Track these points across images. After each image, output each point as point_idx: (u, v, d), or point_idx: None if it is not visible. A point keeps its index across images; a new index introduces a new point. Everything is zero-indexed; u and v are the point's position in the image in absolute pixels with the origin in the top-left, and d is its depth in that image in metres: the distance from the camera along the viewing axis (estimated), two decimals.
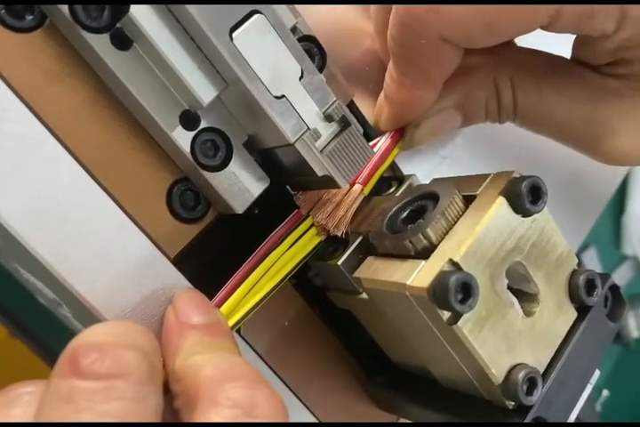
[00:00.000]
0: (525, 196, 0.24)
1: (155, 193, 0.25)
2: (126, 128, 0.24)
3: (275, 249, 0.26)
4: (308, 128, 0.24)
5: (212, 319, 0.23)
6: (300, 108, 0.24)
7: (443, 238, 0.24)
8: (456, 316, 0.22)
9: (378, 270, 0.25)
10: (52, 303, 0.29)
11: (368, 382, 0.31)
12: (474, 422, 0.26)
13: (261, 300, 0.25)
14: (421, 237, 0.24)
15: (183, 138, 0.23)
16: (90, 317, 0.24)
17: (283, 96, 0.23)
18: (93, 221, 0.23)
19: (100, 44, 0.22)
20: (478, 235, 0.23)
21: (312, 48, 0.26)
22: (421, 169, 0.34)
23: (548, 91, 0.29)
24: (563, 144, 0.31)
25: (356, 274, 0.26)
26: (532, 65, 0.29)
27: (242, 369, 0.21)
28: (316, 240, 0.27)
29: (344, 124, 0.25)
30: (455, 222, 0.24)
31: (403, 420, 0.32)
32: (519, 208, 0.24)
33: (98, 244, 0.23)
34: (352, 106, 0.29)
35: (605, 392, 0.75)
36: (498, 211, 0.24)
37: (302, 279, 0.29)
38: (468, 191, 0.25)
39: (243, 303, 0.25)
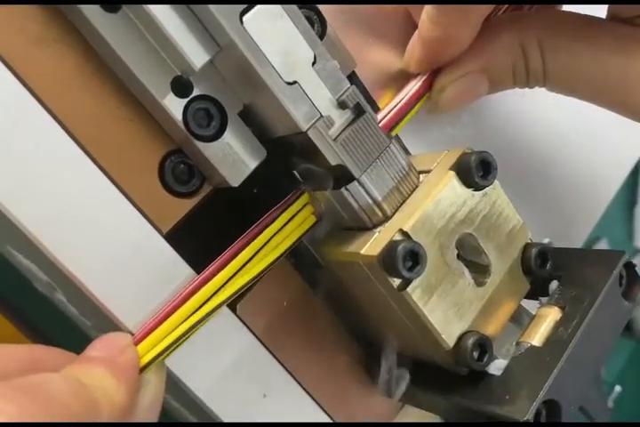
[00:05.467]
0: (475, 170, 0.25)
1: (146, 165, 0.24)
2: (117, 97, 0.23)
3: (267, 228, 0.25)
4: (321, 115, 0.23)
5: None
6: (312, 95, 0.23)
7: (397, 211, 0.25)
8: (406, 283, 0.24)
9: (336, 243, 0.26)
10: (48, 288, 0.28)
11: (371, 365, 0.30)
12: (480, 407, 0.25)
13: (253, 279, 0.24)
14: (377, 210, 0.25)
15: (175, 106, 0.22)
16: (83, 298, 0.23)
17: (295, 82, 0.23)
18: (81, 195, 0.22)
19: (87, 6, 0.21)
20: (427, 206, 0.24)
21: (312, 15, 0.25)
22: (429, 147, 0.33)
23: (579, 47, 0.28)
24: (594, 104, 0.30)
25: (318, 247, 0.27)
26: (561, 24, 0.28)
27: None
28: (312, 220, 0.26)
29: (358, 111, 0.24)
30: (409, 196, 0.26)
31: (406, 407, 0.31)
32: (469, 182, 0.25)
33: (86, 218, 0.22)
34: (353, 77, 0.28)
35: (618, 388, 0.74)
36: (448, 184, 0.25)
37: (302, 258, 0.27)
38: (424, 167, 0.27)
39: (233, 281, 0.24)
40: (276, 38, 0.22)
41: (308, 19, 0.24)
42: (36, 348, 0.22)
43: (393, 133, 0.28)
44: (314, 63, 0.23)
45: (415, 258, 0.23)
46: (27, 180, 0.21)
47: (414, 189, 0.26)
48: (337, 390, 0.30)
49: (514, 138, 0.37)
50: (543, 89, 0.30)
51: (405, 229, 0.24)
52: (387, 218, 0.25)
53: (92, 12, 0.21)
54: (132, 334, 0.23)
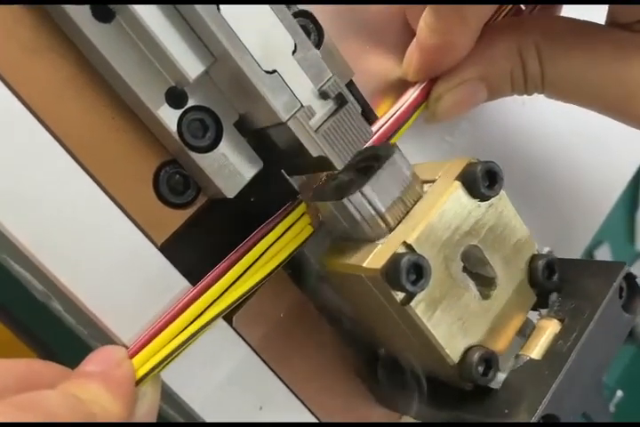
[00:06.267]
0: (481, 180, 0.24)
1: (141, 176, 0.23)
2: (111, 107, 0.23)
3: (263, 239, 0.25)
4: (302, 106, 0.22)
5: None
6: (292, 85, 0.22)
7: (400, 222, 0.24)
8: (409, 297, 0.23)
9: (337, 254, 0.25)
10: (44, 297, 0.28)
11: (369, 377, 0.30)
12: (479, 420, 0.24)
13: (249, 291, 0.24)
14: (380, 221, 0.24)
15: (169, 116, 0.22)
16: (77, 309, 0.23)
17: (274, 71, 0.22)
18: (74, 206, 0.22)
19: (80, 15, 0.20)
20: (432, 218, 0.24)
21: (308, 24, 0.25)
22: (427, 155, 0.33)
23: (577, 53, 0.28)
24: (593, 110, 0.29)
25: (319, 258, 0.26)
26: (560, 30, 0.28)
27: None
28: (309, 230, 0.26)
29: (340, 101, 0.23)
30: (413, 207, 0.25)
31: (405, 418, 0.31)
32: (475, 192, 0.25)
33: (79, 229, 0.22)
34: (351, 86, 0.28)
35: (619, 393, 0.73)
36: (453, 195, 0.24)
37: (300, 269, 0.27)
38: (428, 177, 0.26)
39: (229, 293, 0.23)
40: (254, 26, 0.21)
41: (304, 27, 0.24)
42: (32, 362, 0.22)
43: (391, 142, 0.27)
44: (294, 52, 0.22)
45: (419, 271, 0.23)
46: (18, 191, 0.21)
47: (418, 200, 0.25)
48: (335, 403, 0.29)
49: (513, 145, 0.37)
50: (542, 96, 0.30)
51: (409, 241, 0.23)
52: (390, 229, 0.24)
53: (85, 22, 0.20)
54: (127, 347, 0.23)
